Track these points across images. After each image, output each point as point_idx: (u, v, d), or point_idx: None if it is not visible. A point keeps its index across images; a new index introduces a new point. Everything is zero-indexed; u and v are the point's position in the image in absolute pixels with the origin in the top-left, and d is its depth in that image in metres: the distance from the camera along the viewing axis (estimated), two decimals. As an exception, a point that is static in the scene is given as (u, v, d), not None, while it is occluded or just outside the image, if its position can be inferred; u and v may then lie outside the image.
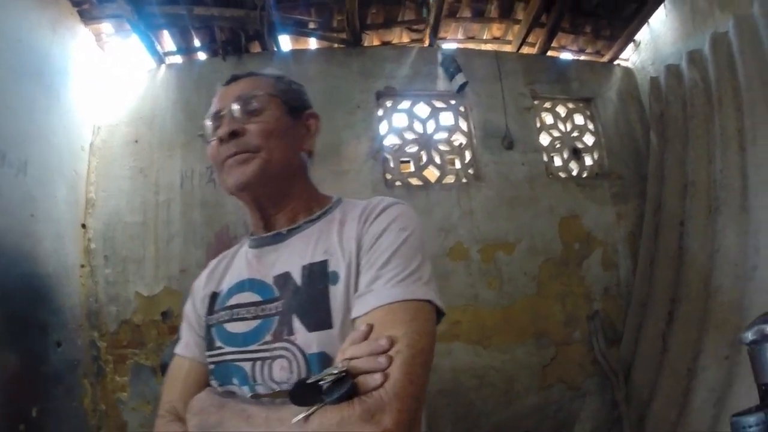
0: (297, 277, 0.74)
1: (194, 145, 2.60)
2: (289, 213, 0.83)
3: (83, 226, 2.55)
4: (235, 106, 0.80)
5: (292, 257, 0.77)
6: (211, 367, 0.78)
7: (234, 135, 0.78)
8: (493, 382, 2.63)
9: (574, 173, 3.15)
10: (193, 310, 0.87)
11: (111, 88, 2.75)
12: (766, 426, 0.64)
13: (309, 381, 0.57)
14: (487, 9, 3.06)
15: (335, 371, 0.57)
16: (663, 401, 2.48)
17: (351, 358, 0.60)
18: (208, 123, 0.84)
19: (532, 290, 2.81)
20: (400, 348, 0.60)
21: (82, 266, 2.50)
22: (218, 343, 0.77)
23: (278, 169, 0.80)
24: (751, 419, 0.65)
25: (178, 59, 2.86)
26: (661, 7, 3.09)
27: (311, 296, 0.71)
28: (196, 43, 2.81)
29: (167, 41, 2.79)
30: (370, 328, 0.63)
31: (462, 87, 2.27)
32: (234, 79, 0.87)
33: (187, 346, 0.85)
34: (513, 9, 3.07)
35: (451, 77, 2.26)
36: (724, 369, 2.22)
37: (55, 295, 2.28)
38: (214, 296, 0.84)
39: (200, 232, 2.54)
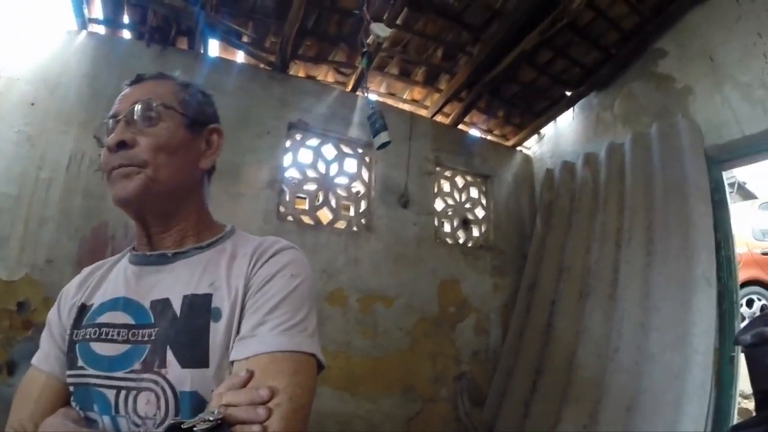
0: (177, 306, 0.70)
1: (91, 126, 2.36)
2: (176, 234, 0.78)
3: None
4: (132, 112, 0.75)
5: (174, 284, 0.72)
6: (71, 388, 0.71)
7: (122, 146, 0.73)
8: (356, 430, 2.63)
9: (461, 241, 3.36)
10: (57, 320, 0.79)
11: (22, 37, 2.45)
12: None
13: (184, 426, 0.53)
14: (414, 71, 3.23)
15: (211, 418, 0.54)
16: (522, 466, 2.64)
17: (228, 405, 0.57)
18: (107, 125, 0.79)
19: (405, 345, 2.90)
20: (280, 401, 0.58)
21: None
22: (81, 363, 0.70)
23: (165, 188, 0.74)
24: (752, 420, 0.67)
25: (101, 29, 2.63)
26: (570, 110, 3.52)
27: (190, 329, 0.68)
28: (126, 19, 2.61)
29: (96, 7, 2.56)
30: (251, 374, 0.61)
31: (384, 145, 2.31)
32: (139, 80, 0.82)
33: (46, 358, 0.77)
34: (438, 78, 3.28)
35: (375, 133, 2.28)
36: (582, 438, 2.42)
37: None
38: (83, 308, 0.77)
39: (76, 223, 2.28)
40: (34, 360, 0.78)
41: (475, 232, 3.45)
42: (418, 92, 3.37)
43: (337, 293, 2.75)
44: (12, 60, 2.41)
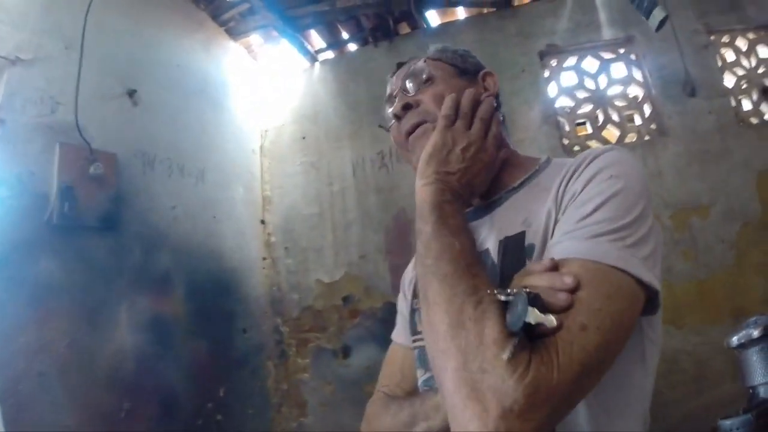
0: (494, 253, 0.66)
1: (361, 133, 2.64)
2: (491, 183, 0.73)
3: (262, 222, 2.74)
4: (405, 83, 0.77)
5: (491, 232, 0.69)
6: (415, 352, 0.76)
7: (408, 107, 0.74)
8: (684, 367, 2.35)
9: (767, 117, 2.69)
10: (402, 297, 0.86)
11: (271, 93, 2.93)
12: (751, 429, 0.61)
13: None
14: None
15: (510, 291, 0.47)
16: None
17: (527, 287, 0.49)
18: (386, 109, 0.82)
19: (729, 260, 2.45)
20: (583, 296, 0.48)
21: (264, 259, 2.69)
22: (419, 328, 0.72)
23: None
24: (737, 422, 0.63)
25: (330, 55, 2.93)
26: None
27: (507, 275, 0.62)
28: (345, 35, 2.84)
29: (316, 39, 2.86)
30: (555, 263, 0.52)
31: (662, 23, 1.93)
32: (399, 66, 0.84)
33: (399, 333, 0.85)
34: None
35: (647, 13, 1.93)
36: None
37: (240, 286, 2.50)
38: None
39: (377, 217, 2.56)
40: (393, 335, 0.86)
41: (782, 100, 2.73)
42: (652, -39, 2.81)
43: (647, 215, 2.43)
44: (272, 113, 2.88)
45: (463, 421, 0.44)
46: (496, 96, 0.78)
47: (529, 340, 0.45)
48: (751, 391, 0.71)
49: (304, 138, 2.72)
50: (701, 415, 2.31)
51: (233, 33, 2.76)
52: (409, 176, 0.76)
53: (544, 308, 0.45)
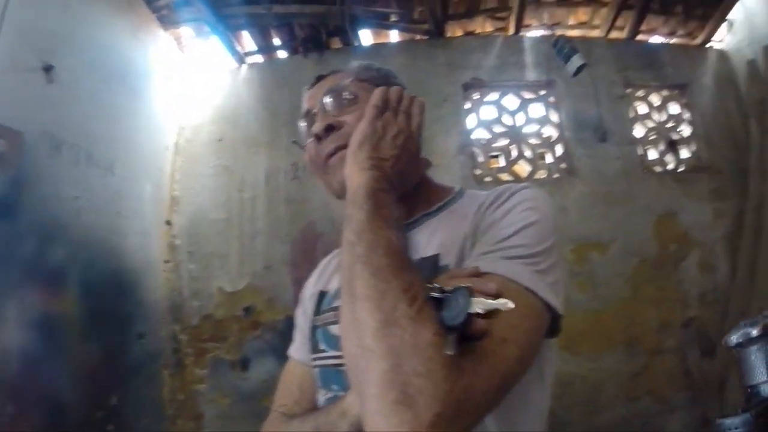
0: None
1: (278, 142, 2.61)
2: (405, 204, 0.71)
3: (168, 222, 2.63)
4: (327, 100, 0.74)
5: None
6: (316, 371, 0.74)
7: (330, 129, 0.71)
8: (577, 390, 2.49)
9: (670, 167, 2.95)
10: (302, 312, 0.83)
11: (193, 89, 2.82)
12: (751, 428, 0.61)
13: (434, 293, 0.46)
14: (571, -9, 2.86)
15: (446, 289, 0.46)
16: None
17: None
18: (301, 125, 0.79)
19: (625, 293, 2.63)
20: (504, 312, 0.46)
21: (167, 261, 2.58)
22: (322, 346, 0.73)
23: None
24: (737, 421, 0.62)
25: (258, 58, 2.89)
26: None
27: None
28: (276, 41, 2.83)
29: (247, 41, 2.82)
30: (478, 271, 0.52)
31: (580, 69, 2.07)
32: (318, 79, 0.81)
33: (297, 349, 0.82)
34: (600, -10, 2.85)
35: (566, 59, 2.07)
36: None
37: (139, 289, 2.38)
38: (321, 295, 0.79)
39: (285, 229, 2.55)
40: (291, 351, 0.83)
41: (685, 153, 2.98)
42: (582, 13, 3.01)
43: (548, 248, 2.56)
44: (191, 110, 2.76)
45: (387, 428, 0.41)
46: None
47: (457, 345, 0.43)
48: (749, 390, 0.70)
49: (220, 140, 2.66)
50: (595, 436, 2.47)
51: (164, 21, 2.67)
52: (320, 191, 0.74)
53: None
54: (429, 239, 0.68)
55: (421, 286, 0.47)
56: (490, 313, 0.44)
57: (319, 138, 0.72)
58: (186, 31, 2.78)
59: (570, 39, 2.09)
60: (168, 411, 2.42)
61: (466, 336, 0.44)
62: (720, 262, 2.76)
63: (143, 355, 2.34)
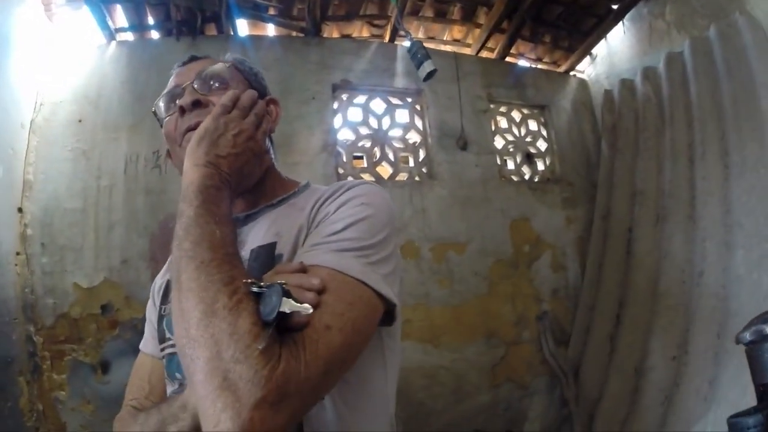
0: (245, 261, 0.68)
1: (141, 128, 2.46)
2: (250, 197, 0.76)
3: (20, 210, 2.35)
4: (199, 79, 0.75)
5: (246, 243, 0.71)
6: (164, 361, 0.74)
7: (197, 104, 0.72)
8: (443, 381, 2.63)
9: (526, 177, 3.22)
10: (152, 305, 0.83)
11: (57, 63, 2.56)
12: (765, 427, 0.62)
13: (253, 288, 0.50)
14: (449, 10, 3.07)
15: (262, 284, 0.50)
16: (612, 400, 2.57)
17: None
18: (164, 100, 0.78)
19: (483, 290, 2.84)
20: (328, 300, 0.52)
21: (18, 254, 2.30)
22: (168, 334, 0.73)
23: None
24: (750, 420, 0.63)
25: (129, 36, 2.71)
26: (620, 24, 3.20)
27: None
28: (150, 20, 2.67)
29: (120, 16, 2.63)
30: (303, 266, 0.56)
31: (430, 75, 2.20)
32: (192, 59, 0.82)
33: (146, 342, 0.83)
34: (475, 13, 3.09)
35: (418, 64, 2.18)
36: (671, 369, 2.33)
37: None
38: (168, 285, 0.79)
39: (143, 221, 2.39)
40: (141, 345, 0.84)
41: (540, 166, 3.28)
42: (457, 31, 3.21)
43: (408, 246, 2.72)
44: (51, 86, 2.52)
45: (214, 412, 0.43)
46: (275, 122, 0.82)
47: (278, 334, 0.46)
48: (761, 388, 0.69)
49: (80, 121, 2.44)
50: (461, 422, 2.64)
51: (34, -18, 2.40)
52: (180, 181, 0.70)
53: (297, 302, 0.48)
54: (268, 229, 0.71)
55: (242, 279, 0.50)
56: (296, 313, 0.47)
57: (183, 111, 0.72)
58: (57, -4, 2.53)
59: (423, 46, 2.22)
60: (28, 423, 2.13)
61: (287, 327, 0.47)
62: (570, 263, 3.08)
63: (-5, 362, 2.04)
